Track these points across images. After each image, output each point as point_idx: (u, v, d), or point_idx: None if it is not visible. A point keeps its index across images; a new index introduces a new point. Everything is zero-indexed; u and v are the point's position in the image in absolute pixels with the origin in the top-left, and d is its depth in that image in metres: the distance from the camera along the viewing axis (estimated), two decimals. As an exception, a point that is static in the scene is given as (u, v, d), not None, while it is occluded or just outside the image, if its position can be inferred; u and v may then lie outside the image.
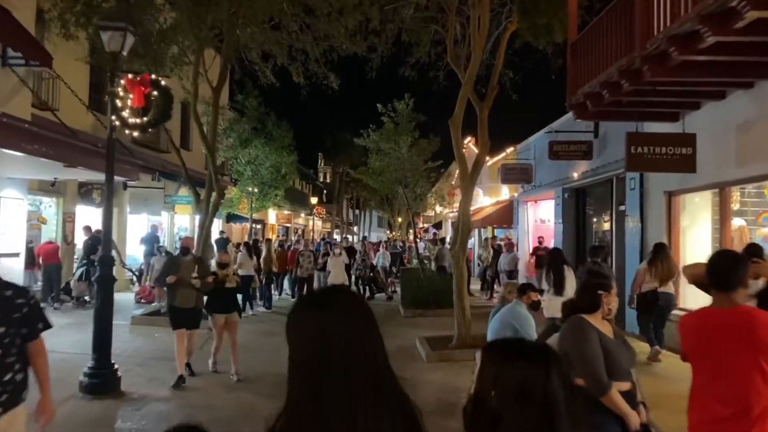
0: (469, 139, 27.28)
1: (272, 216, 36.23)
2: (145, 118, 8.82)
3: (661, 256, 8.69)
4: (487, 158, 25.97)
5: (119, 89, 8.23)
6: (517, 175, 18.26)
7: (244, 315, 12.45)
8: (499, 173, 18.18)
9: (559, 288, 8.01)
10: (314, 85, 12.74)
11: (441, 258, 17.04)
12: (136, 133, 11.63)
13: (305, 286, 14.57)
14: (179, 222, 23.24)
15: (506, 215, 21.09)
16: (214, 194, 12.06)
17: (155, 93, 8.89)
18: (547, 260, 8.87)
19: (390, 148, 16.24)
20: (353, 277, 16.41)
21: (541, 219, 19.84)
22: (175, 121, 19.43)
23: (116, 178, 8.30)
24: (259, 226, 28.96)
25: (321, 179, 53.93)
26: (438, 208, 39.61)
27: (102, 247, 7.76)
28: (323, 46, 11.91)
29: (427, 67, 11.96)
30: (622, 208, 11.95)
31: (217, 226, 25.60)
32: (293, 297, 15.39)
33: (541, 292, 6.81)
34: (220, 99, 13.21)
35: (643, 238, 10.86)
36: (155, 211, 17.92)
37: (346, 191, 51.87)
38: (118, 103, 8.17)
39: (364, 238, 16.95)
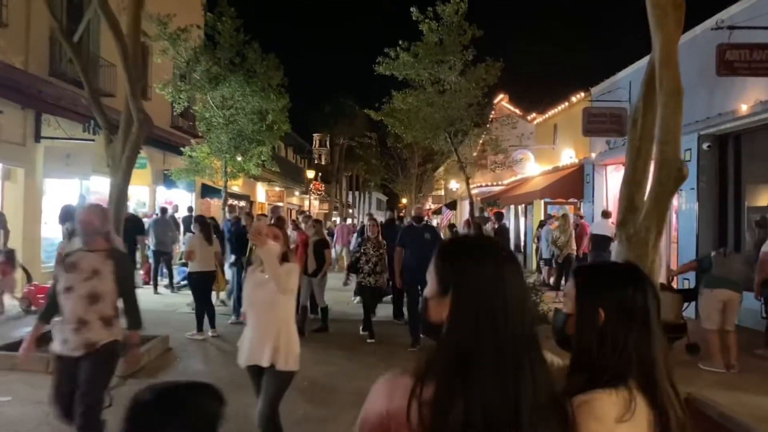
0: (501, 96, 21.77)
1: (261, 193, 30.65)
2: None
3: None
4: (535, 115, 20.53)
5: None
6: (606, 124, 12.73)
7: (195, 337, 7.99)
8: (583, 119, 12.62)
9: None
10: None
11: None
12: None
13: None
14: (135, 194, 17.67)
15: (572, 185, 15.58)
16: (134, 129, 6.45)
17: None
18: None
19: (430, 74, 10.59)
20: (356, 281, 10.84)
21: (628, 189, 14.34)
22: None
23: None
24: (243, 203, 23.34)
25: (316, 162, 48.10)
26: (454, 184, 34.32)
27: None
28: None
29: None
30: None
31: (188, 202, 20.16)
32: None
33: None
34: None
35: None
36: (82, 172, 12.29)
37: (346, 168, 46.21)
38: None
39: (370, 215, 11.13)
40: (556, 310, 1.56)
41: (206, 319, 8.19)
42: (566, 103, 16.61)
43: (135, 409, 1.27)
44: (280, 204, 30.16)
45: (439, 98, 11.31)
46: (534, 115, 19.92)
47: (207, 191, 21.13)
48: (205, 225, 8.22)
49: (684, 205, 10.55)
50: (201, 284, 8.14)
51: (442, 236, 9.89)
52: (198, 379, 1.48)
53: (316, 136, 48.15)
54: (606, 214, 12.66)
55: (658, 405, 1.35)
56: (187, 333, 8.26)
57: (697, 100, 10.44)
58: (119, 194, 6.54)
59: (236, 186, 24.24)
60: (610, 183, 14.67)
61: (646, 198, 4.59)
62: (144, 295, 12.36)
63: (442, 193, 39.94)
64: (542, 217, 18.08)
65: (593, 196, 14.79)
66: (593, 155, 14.39)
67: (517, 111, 20.99)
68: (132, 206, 17.77)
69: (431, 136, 12.38)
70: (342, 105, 36.77)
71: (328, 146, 48.69)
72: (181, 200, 19.75)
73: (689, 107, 10.61)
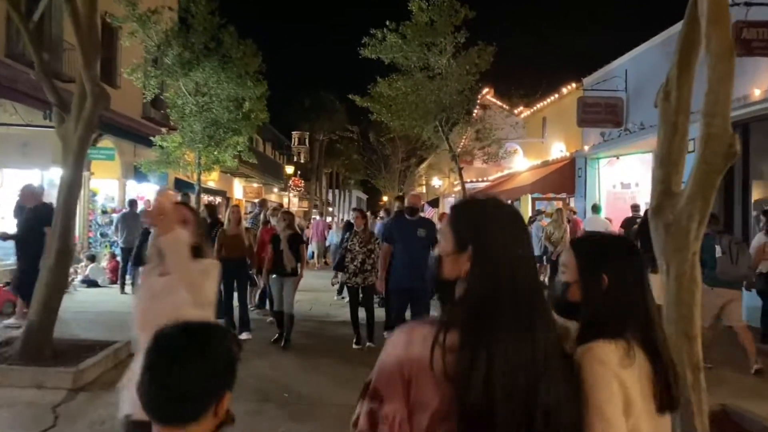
0: (486, 90, 21.12)
1: (238, 189, 29.68)
2: None
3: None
4: (522, 109, 19.93)
5: None
6: (601, 114, 12.17)
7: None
8: (578, 109, 12.01)
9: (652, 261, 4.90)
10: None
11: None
12: None
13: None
14: (103, 189, 16.70)
15: (563, 180, 15.00)
16: (87, 104, 5.60)
17: None
18: (640, 225, 6.99)
19: (419, 58, 9.87)
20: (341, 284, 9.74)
21: (622, 183, 13.82)
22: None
23: None
24: (219, 200, 22.39)
25: (296, 160, 46.94)
26: (437, 181, 33.65)
27: None
28: None
29: None
30: None
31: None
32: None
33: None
34: None
35: None
36: (41, 163, 11.32)
37: (326, 165, 45.26)
38: None
39: (356, 209, 10.18)
40: (554, 280, 1.69)
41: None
42: (556, 95, 16.05)
43: (161, 340, 1.30)
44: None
45: (429, 83, 10.57)
46: (521, 108, 19.34)
47: (181, 186, 20.10)
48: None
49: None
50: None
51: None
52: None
53: (295, 134, 47.07)
54: (595, 208, 12.10)
55: (656, 355, 1.49)
56: (152, 337, 7.44)
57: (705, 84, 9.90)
58: (71, 180, 5.68)
59: (212, 181, 23.28)
60: (603, 177, 14.14)
61: (688, 180, 3.94)
62: (109, 295, 11.51)
63: (424, 190, 39.34)
64: (530, 213, 17.53)
65: (585, 191, 14.22)
66: (586, 148, 13.82)
67: (504, 105, 20.38)
68: (101, 201, 16.84)
69: (421, 124, 11.59)
70: (322, 99, 35.79)
71: (307, 144, 47.69)
72: (153, 195, 18.81)
73: (698, 92, 10.11)
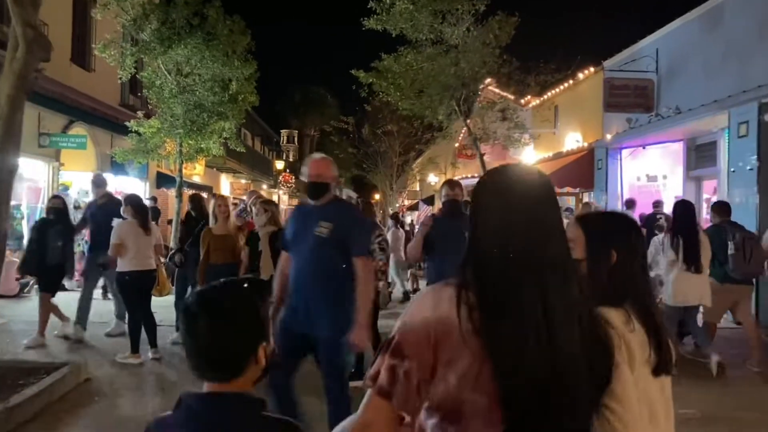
0: (488, 81, 19.81)
1: (225, 185, 28.25)
2: None
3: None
4: (530, 98, 18.62)
5: None
6: (629, 97, 10.94)
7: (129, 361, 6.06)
8: (605, 92, 10.76)
9: (693, 260, 5.49)
10: None
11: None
12: None
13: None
14: (77, 182, 15.23)
15: (579, 173, 13.74)
16: (19, 53, 4.21)
17: None
18: (673, 219, 5.99)
19: (431, 30, 8.55)
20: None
21: (648, 175, 12.60)
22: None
23: None
24: (205, 195, 20.92)
25: (285, 158, 45.32)
26: (432, 178, 32.33)
27: None
28: None
29: None
30: None
31: (141, 192, 17.69)
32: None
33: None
34: None
35: None
36: None
37: (317, 162, 43.67)
38: None
39: (359, 197, 8.91)
40: None
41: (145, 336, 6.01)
42: (570, 81, 14.78)
43: (187, 314, 1.35)
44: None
45: (444, 57, 9.26)
46: (528, 98, 18.03)
47: (164, 180, 18.71)
48: (140, 208, 6.00)
49: (736, 190, 8.76)
50: (136, 288, 5.95)
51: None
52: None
53: (284, 132, 45.57)
54: (630, 204, 10.91)
55: (651, 323, 1.58)
56: (118, 355, 6.09)
57: (756, 62, 8.67)
58: None
59: (197, 176, 21.85)
60: (627, 169, 12.92)
61: None
62: (73, 300, 9.92)
63: (418, 188, 38.03)
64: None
65: (606, 184, 12.98)
66: (608, 137, 12.56)
67: (509, 95, 19.08)
68: (74, 196, 15.37)
69: (437, 102, 10.20)
70: (313, 93, 34.37)
71: (296, 143, 46.26)
72: (132, 189, 17.34)
73: (746, 70, 8.86)
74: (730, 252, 5.96)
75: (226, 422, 1.31)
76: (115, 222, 5.98)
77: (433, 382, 1.25)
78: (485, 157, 15.12)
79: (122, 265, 5.93)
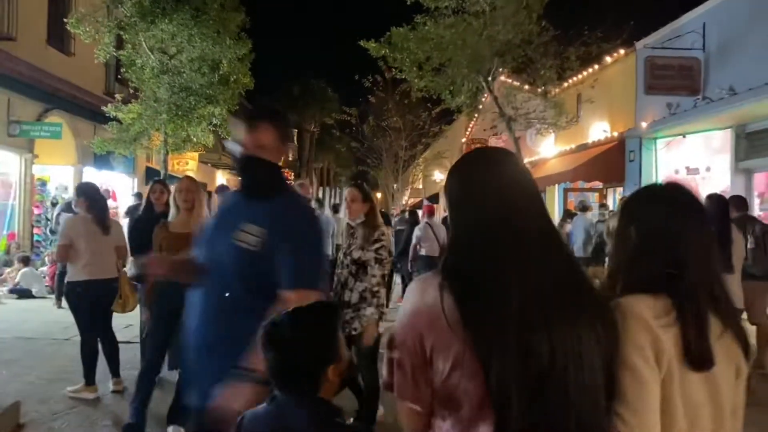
0: (502, 70, 18.49)
1: (221, 182, 26.90)
2: None
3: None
4: (549, 87, 17.28)
5: None
6: (673, 79, 9.65)
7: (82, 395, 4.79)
8: (645, 73, 9.46)
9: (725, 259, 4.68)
10: None
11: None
12: None
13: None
14: (55, 177, 14.01)
15: (608, 166, 12.45)
16: None
17: None
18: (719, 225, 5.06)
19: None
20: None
21: (687, 167, 11.30)
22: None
23: None
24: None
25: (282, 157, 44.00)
26: (438, 175, 31.06)
27: None
28: None
29: None
30: None
31: (127, 188, 16.44)
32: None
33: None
34: None
35: None
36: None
37: (317, 159, 42.55)
38: None
39: (354, 183, 7.30)
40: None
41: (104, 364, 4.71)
42: (596, 66, 13.46)
43: (271, 331, 1.49)
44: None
45: (470, 24, 7.97)
46: (547, 86, 16.72)
47: (154, 176, 17.41)
48: (96, 200, 4.69)
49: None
50: (90, 303, 4.64)
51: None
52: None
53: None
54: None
55: (690, 309, 1.35)
56: (69, 387, 4.79)
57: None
58: None
59: (190, 171, 20.54)
60: (662, 161, 11.64)
61: None
62: (41, 309, 8.66)
63: (421, 185, 36.86)
64: (558, 206, 15.05)
65: (640, 178, 11.69)
66: (643, 125, 11.26)
67: (524, 85, 17.79)
68: (52, 192, 14.10)
69: (462, 75, 8.85)
70: (313, 87, 33.08)
71: (294, 141, 45.02)
72: (119, 186, 16.09)
73: None
74: (749, 246, 5.71)
75: (305, 421, 1.45)
76: (63, 217, 4.68)
77: (432, 370, 1.23)
78: (540, 134, 13.74)
79: (73, 274, 4.62)
